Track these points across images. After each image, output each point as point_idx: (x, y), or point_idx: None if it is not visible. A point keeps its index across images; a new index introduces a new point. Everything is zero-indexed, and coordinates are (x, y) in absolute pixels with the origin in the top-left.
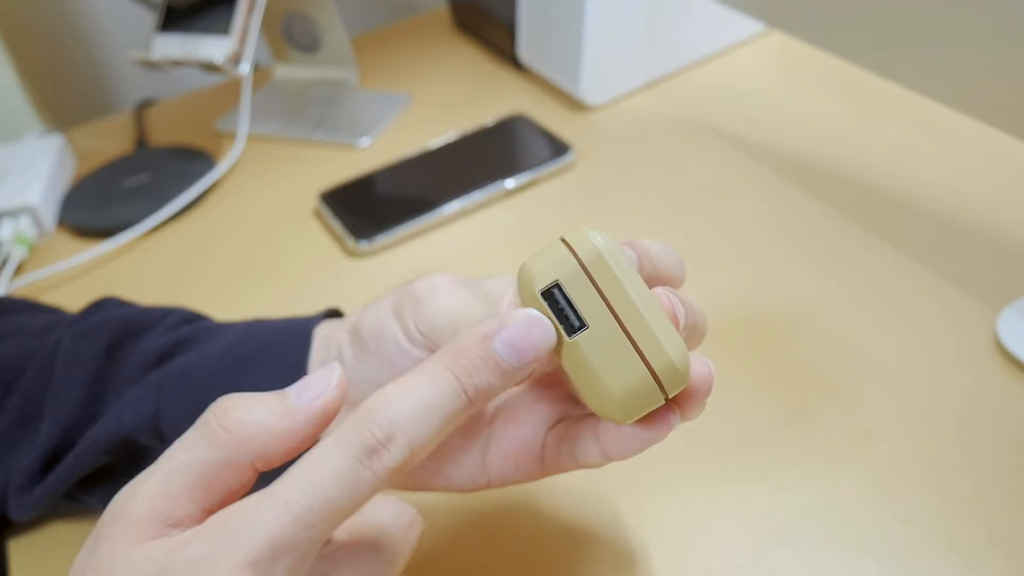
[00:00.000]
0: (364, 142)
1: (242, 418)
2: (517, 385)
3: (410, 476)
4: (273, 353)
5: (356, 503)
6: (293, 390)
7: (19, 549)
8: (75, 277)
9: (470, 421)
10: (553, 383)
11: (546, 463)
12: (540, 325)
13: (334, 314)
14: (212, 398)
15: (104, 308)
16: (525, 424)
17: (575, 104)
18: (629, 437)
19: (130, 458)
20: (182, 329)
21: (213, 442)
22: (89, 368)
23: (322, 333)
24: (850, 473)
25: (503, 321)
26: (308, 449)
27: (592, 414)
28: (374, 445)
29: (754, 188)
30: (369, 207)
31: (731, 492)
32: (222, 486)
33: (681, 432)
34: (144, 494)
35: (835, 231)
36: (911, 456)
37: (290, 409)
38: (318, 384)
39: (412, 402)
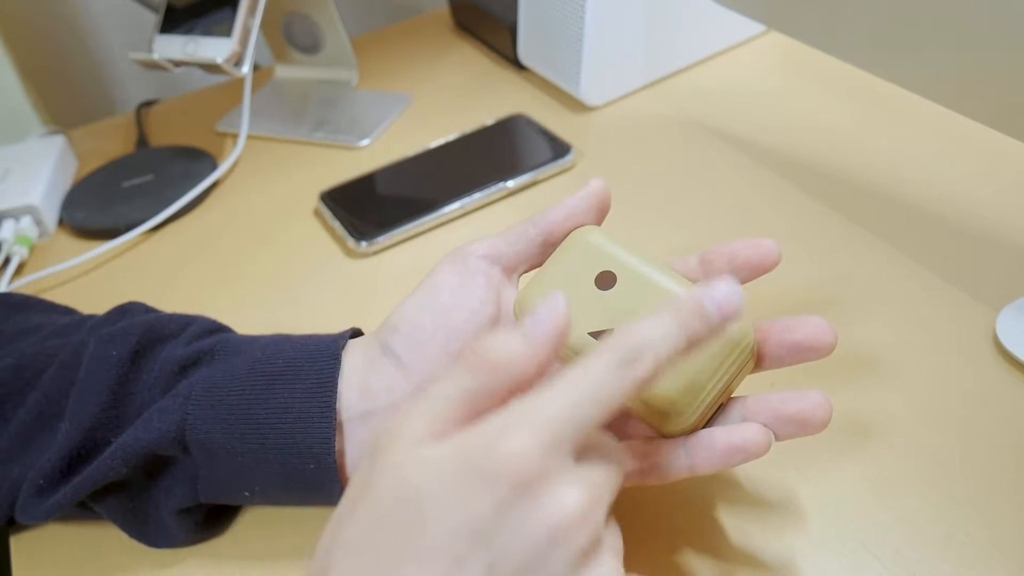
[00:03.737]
0: (364, 142)
1: (499, 348)
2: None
3: None
4: (302, 370)
5: (616, 401)
6: (532, 321)
7: (21, 546)
8: (76, 277)
9: None
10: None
11: None
12: (738, 292)
13: (357, 333)
14: (239, 412)
15: (130, 313)
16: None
17: (575, 104)
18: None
19: (147, 472)
20: (205, 340)
21: (476, 372)
22: (114, 372)
23: (353, 351)
24: (849, 472)
25: (712, 286)
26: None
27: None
28: (631, 357)
29: (754, 188)
30: (369, 207)
31: (728, 492)
32: (484, 411)
33: None
34: (417, 415)
35: (835, 231)
36: (910, 455)
37: (533, 336)
38: (547, 312)
39: (656, 331)
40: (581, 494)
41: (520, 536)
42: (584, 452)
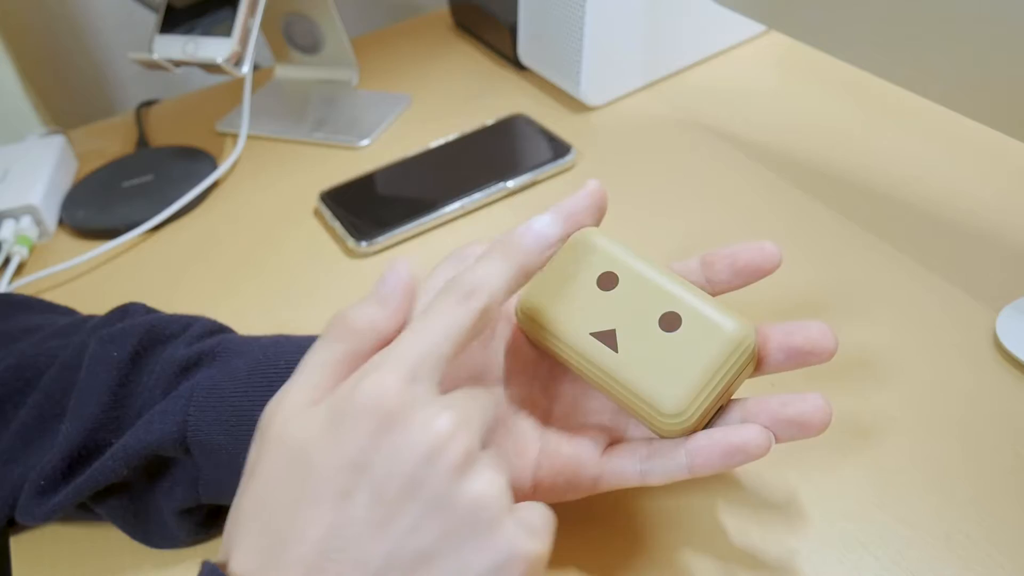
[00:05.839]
0: (364, 142)
1: (358, 316)
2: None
3: None
4: None
5: (463, 331)
6: (380, 285)
7: (21, 546)
8: (76, 277)
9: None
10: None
11: (601, 480)
12: (552, 223)
13: None
14: (240, 413)
15: (130, 313)
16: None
17: (575, 104)
18: (721, 450)
19: (148, 473)
20: (206, 341)
21: (341, 339)
22: (115, 372)
23: None
24: (849, 473)
25: (532, 220)
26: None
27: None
28: (467, 292)
29: (754, 188)
30: (369, 207)
31: (729, 492)
32: (354, 371)
33: None
34: (294, 390)
35: (835, 231)
36: (911, 456)
37: (385, 297)
38: (395, 274)
39: (488, 269)
40: (446, 415)
41: (394, 461)
42: (452, 388)
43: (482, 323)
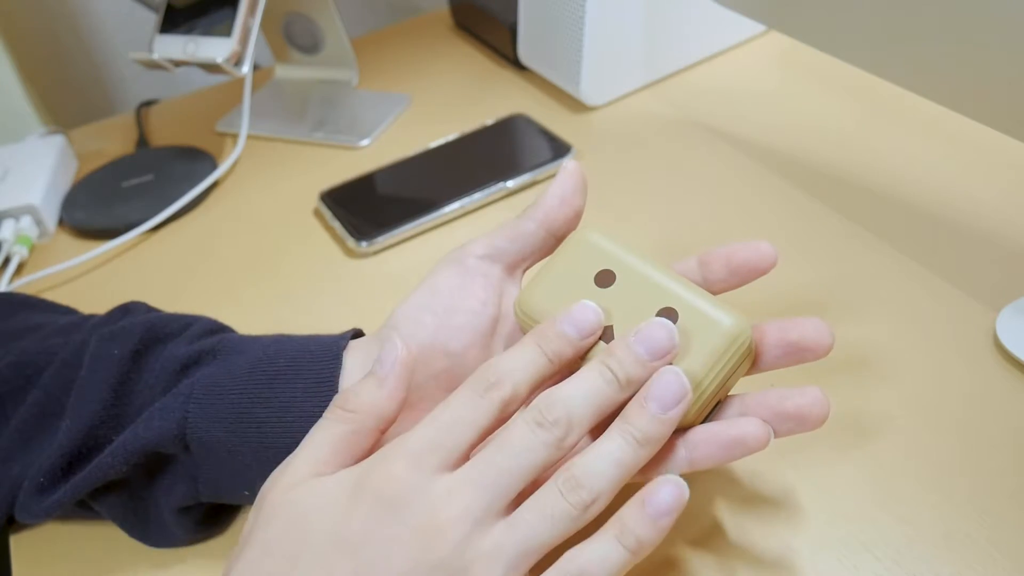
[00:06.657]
0: (364, 142)
1: (358, 395)
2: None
3: None
4: (303, 370)
5: (478, 423)
6: (378, 364)
7: (21, 546)
8: (76, 277)
9: None
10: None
11: None
12: (594, 311)
13: (358, 334)
14: (239, 410)
15: (131, 312)
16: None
17: (575, 104)
18: (720, 443)
19: (147, 470)
20: (207, 340)
21: (343, 420)
22: (115, 370)
23: (355, 351)
24: (849, 472)
25: (568, 309)
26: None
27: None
28: (490, 383)
29: (754, 188)
30: (369, 207)
31: (728, 491)
32: (357, 449)
33: None
34: (297, 463)
35: (835, 231)
36: (910, 455)
37: (382, 379)
38: (390, 354)
39: (512, 360)
40: (450, 500)
41: (388, 549)
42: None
43: (502, 414)
